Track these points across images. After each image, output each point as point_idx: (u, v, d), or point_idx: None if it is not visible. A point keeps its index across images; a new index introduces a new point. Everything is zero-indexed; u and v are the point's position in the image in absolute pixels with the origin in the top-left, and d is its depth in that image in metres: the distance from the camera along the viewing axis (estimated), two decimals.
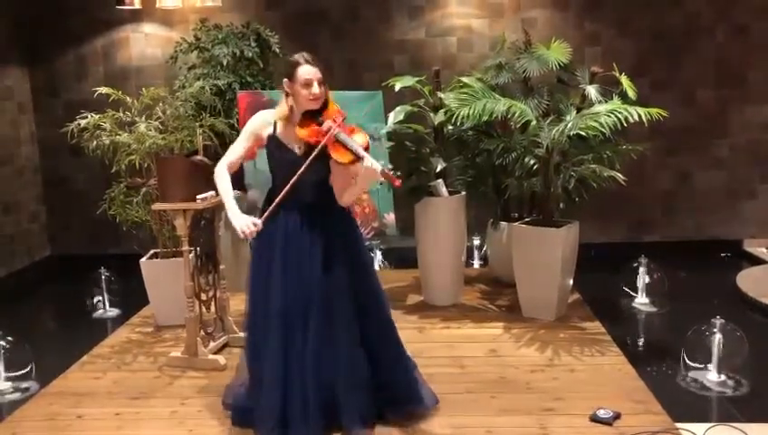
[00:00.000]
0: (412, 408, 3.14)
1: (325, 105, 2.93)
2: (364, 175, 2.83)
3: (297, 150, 2.95)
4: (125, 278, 5.00)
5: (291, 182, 2.84)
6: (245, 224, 2.88)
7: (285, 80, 2.94)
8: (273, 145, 3.00)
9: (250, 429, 3.07)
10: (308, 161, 2.84)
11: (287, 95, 2.95)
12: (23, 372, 3.75)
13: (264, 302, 3.01)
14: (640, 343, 4.23)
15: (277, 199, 2.87)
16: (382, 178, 2.86)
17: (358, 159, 2.81)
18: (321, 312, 2.95)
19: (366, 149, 2.84)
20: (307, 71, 2.87)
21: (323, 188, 3.00)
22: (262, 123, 3.03)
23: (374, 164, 2.79)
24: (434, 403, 3.22)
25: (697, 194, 6.13)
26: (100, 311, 4.98)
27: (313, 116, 2.91)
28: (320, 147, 2.82)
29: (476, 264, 5.94)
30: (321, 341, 2.95)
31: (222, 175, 3.06)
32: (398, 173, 2.98)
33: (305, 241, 2.97)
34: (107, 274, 4.98)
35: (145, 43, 6.13)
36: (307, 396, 2.94)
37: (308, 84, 2.87)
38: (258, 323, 3.06)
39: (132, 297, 4.90)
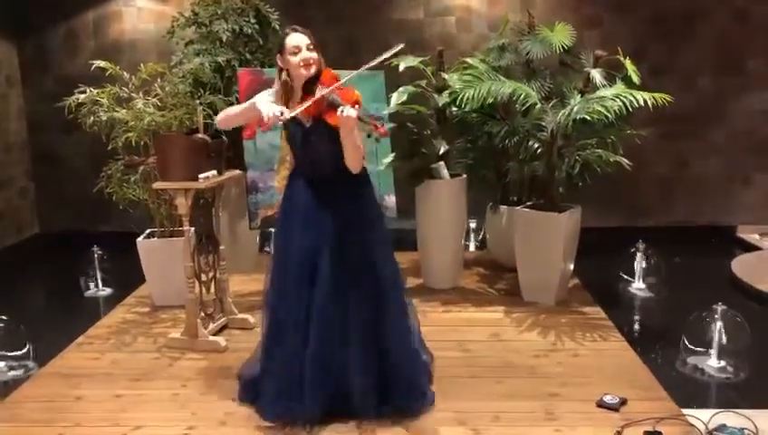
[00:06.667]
0: (408, 402, 3.05)
1: (321, 73, 2.90)
2: (342, 123, 2.76)
3: (306, 123, 2.93)
4: (115, 257, 4.92)
5: (293, 113, 2.81)
6: (273, 110, 2.80)
7: (278, 55, 2.93)
8: (288, 122, 2.94)
9: (253, 404, 3.09)
10: (297, 111, 2.80)
11: (281, 71, 2.93)
12: (20, 352, 3.67)
13: (286, 262, 2.99)
14: (638, 328, 4.24)
15: (299, 108, 2.81)
16: (367, 127, 2.81)
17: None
18: (331, 275, 2.91)
19: (355, 103, 2.77)
20: (294, 38, 2.88)
21: (341, 160, 2.96)
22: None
23: (348, 110, 2.71)
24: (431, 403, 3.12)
25: (694, 180, 6.15)
26: (93, 290, 4.91)
27: (312, 89, 2.87)
28: (305, 105, 2.78)
29: (472, 247, 5.92)
30: (330, 307, 2.91)
31: (225, 111, 3.17)
32: (384, 122, 2.95)
33: (324, 213, 2.93)
34: (99, 252, 4.90)
35: (137, 17, 5.99)
36: (306, 371, 2.90)
37: (297, 51, 2.86)
38: (278, 292, 3.02)
39: (124, 276, 4.84)
